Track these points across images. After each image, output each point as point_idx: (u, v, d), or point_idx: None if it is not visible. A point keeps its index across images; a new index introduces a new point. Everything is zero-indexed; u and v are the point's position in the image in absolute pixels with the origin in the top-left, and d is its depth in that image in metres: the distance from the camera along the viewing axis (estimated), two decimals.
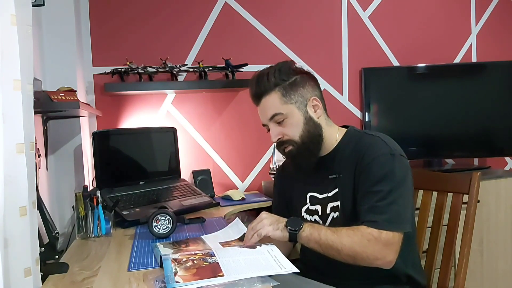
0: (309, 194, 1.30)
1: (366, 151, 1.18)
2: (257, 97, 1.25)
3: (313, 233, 1.11)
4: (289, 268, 0.93)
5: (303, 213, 1.30)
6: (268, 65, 1.28)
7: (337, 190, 1.23)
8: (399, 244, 1.11)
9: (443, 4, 2.58)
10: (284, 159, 1.36)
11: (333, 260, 1.12)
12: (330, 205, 1.24)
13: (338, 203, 1.22)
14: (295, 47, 2.35)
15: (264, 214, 1.18)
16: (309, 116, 1.23)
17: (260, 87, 1.23)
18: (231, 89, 2.23)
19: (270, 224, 1.14)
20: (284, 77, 1.23)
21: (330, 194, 1.24)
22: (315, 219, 1.27)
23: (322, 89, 1.31)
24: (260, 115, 1.27)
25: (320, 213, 1.26)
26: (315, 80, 1.29)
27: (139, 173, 1.90)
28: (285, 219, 1.15)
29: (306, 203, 1.30)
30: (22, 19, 0.87)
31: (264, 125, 1.28)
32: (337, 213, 1.23)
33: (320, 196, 1.27)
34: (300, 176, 1.33)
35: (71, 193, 1.65)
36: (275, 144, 1.28)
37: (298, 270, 0.93)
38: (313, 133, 1.23)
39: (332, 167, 1.25)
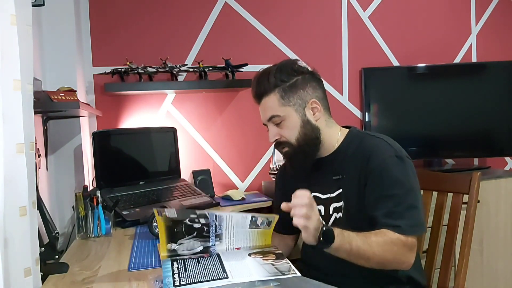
0: (312, 194, 1.29)
1: (371, 153, 1.17)
2: (258, 97, 1.26)
3: (343, 245, 1.05)
4: (292, 272, 0.93)
5: None
6: (269, 65, 1.27)
7: (340, 191, 1.22)
8: (417, 246, 1.14)
9: (443, 4, 2.58)
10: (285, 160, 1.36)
11: (334, 260, 1.12)
12: (333, 205, 1.24)
13: (341, 203, 1.22)
14: (295, 47, 2.35)
15: (315, 211, 1.02)
16: (307, 119, 1.22)
17: (260, 87, 1.24)
18: (231, 89, 2.23)
19: (314, 228, 1.00)
20: (284, 78, 1.22)
21: (333, 195, 1.24)
22: None
23: None
24: (261, 115, 1.28)
25: (322, 213, 1.26)
26: (317, 80, 1.27)
27: (139, 173, 1.90)
28: (321, 225, 1.03)
29: None
30: (22, 19, 0.87)
31: (264, 124, 1.28)
32: (339, 214, 1.22)
33: (323, 197, 1.27)
34: (303, 176, 1.33)
35: (71, 193, 1.65)
36: (274, 143, 1.28)
37: (299, 274, 0.92)
38: (310, 136, 1.22)
39: (334, 168, 1.25)
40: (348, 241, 1.05)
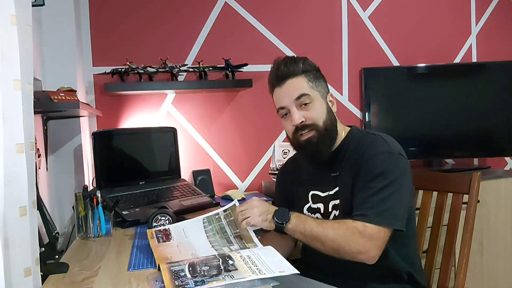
0: (311, 192, 1.30)
1: (366, 149, 1.18)
2: (282, 78, 1.23)
3: (299, 225, 1.14)
4: (290, 270, 0.93)
5: (305, 211, 1.31)
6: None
7: (338, 188, 1.23)
8: (384, 240, 1.10)
9: (443, 4, 2.58)
10: (286, 159, 1.36)
11: (335, 260, 1.12)
12: (332, 203, 1.24)
13: (338, 201, 1.23)
14: (295, 47, 2.35)
15: (255, 201, 1.20)
16: (330, 107, 1.26)
17: (288, 68, 1.23)
18: (231, 89, 2.23)
19: (260, 214, 1.17)
20: (309, 68, 1.25)
21: (331, 192, 1.24)
22: (317, 217, 1.27)
23: None
24: (282, 97, 1.23)
25: (322, 211, 1.26)
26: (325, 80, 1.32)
27: (139, 173, 1.90)
28: (274, 209, 1.18)
29: (308, 201, 1.30)
30: (22, 19, 0.87)
31: (281, 108, 1.24)
32: (338, 211, 1.23)
33: (322, 195, 1.27)
34: (302, 175, 1.33)
35: (71, 193, 1.65)
36: (294, 129, 1.23)
37: (298, 272, 0.93)
38: (333, 124, 1.25)
39: (334, 165, 1.25)
40: (302, 223, 1.13)
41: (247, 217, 1.16)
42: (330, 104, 1.26)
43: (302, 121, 1.21)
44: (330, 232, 1.10)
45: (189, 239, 1.21)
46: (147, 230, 1.28)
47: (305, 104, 1.21)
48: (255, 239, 1.15)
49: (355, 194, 1.16)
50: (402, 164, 1.16)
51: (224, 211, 1.28)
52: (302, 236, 1.14)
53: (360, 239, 1.07)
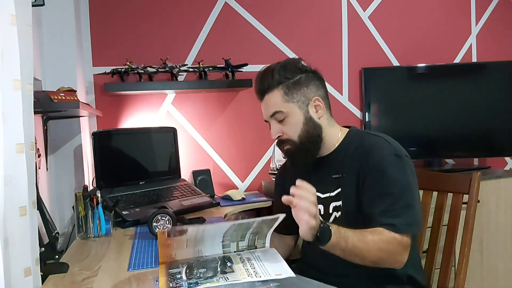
0: None
1: (370, 151, 1.18)
2: (261, 93, 1.26)
3: (339, 242, 1.05)
4: (287, 273, 0.93)
5: None
6: (272, 63, 1.27)
7: (339, 190, 1.23)
8: (410, 245, 1.14)
9: (443, 4, 2.58)
10: (285, 159, 1.36)
11: (334, 260, 1.12)
12: (332, 204, 1.24)
13: (340, 202, 1.22)
14: (295, 47, 2.35)
15: (317, 209, 1.00)
16: (310, 116, 1.23)
17: (264, 83, 1.24)
18: (231, 89, 2.23)
19: (314, 227, 0.99)
20: (288, 75, 1.23)
21: (332, 194, 1.24)
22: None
23: None
24: (263, 111, 1.28)
25: (322, 212, 1.26)
26: (320, 79, 1.29)
27: (139, 173, 1.90)
28: (319, 223, 1.01)
29: None
30: (22, 19, 0.87)
31: (266, 121, 1.29)
32: (339, 213, 1.23)
33: (322, 196, 1.27)
34: (302, 175, 1.33)
35: (71, 193, 1.65)
36: (276, 141, 1.28)
37: (294, 275, 0.92)
38: (312, 134, 1.23)
39: (334, 166, 1.25)
40: (344, 239, 1.06)
41: (308, 215, 0.98)
42: (314, 110, 1.24)
43: (278, 136, 1.25)
44: (372, 248, 1.08)
45: (204, 234, 1.03)
46: (157, 232, 1.02)
47: (280, 120, 1.23)
48: (268, 239, 1.09)
49: (371, 200, 1.15)
50: (410, 167, 1.18)
51: (263, 220, 1.03)
52: (341, 252, 1.07)
53: (399, 249, 1.10)
